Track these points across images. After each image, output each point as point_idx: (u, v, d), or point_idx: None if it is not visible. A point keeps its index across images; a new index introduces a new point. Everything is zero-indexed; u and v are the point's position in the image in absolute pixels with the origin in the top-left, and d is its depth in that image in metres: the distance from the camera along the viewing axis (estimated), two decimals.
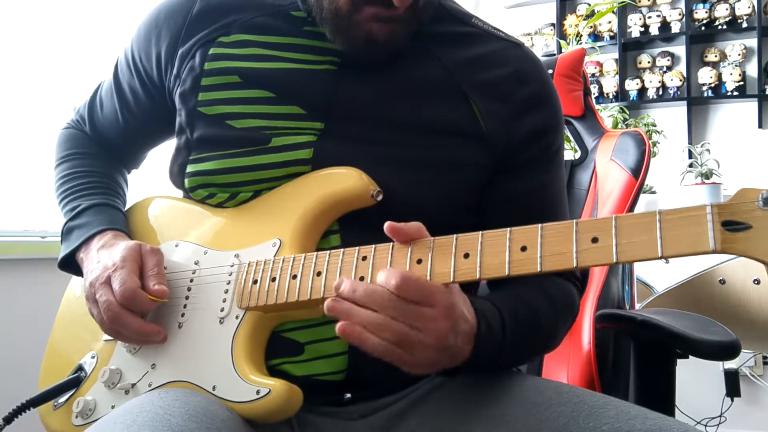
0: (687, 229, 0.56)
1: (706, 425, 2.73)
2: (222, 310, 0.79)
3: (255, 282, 0.77)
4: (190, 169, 0.86)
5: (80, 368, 0.88)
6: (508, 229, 0.65)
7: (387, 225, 0.68)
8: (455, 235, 0.67)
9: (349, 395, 0.79)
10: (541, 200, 0.88)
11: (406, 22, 0.80)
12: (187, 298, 0.82)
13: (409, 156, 0.82)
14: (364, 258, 0.71)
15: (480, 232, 0.66)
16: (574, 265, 0.61)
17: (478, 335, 0.70)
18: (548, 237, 0.63)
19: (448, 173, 0.83)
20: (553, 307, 0.82)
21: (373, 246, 0.71)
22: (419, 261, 0.68)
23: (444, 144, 0.83)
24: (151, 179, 1.27)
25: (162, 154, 1.05)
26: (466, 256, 0.66)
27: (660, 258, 0.57)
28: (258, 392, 0.72)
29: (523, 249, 0.63)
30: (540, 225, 0.64)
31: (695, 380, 2.61)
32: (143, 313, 0.79)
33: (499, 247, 0.65)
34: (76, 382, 0.87)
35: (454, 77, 0.85)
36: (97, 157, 1.01)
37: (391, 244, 0.70)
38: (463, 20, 0.90)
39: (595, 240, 0.60)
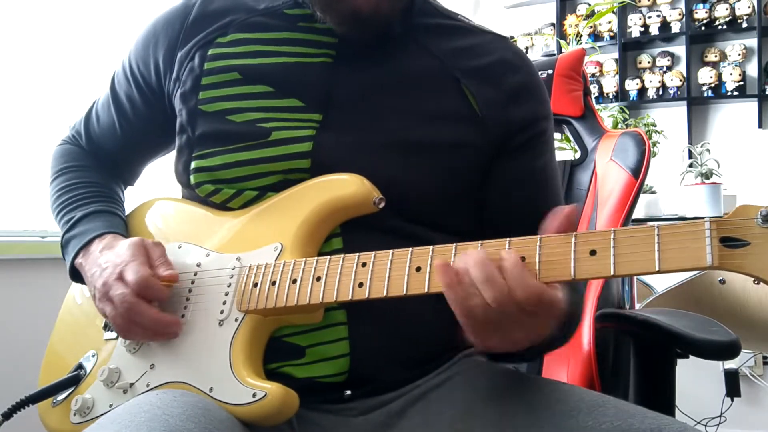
0: (685, 245, 0.57)
1: (706, 425, 2.73)
2: (222, 312, 0.79)
3: (255, 285, 0.77)
4: (194, 165, 0.87)
5: (80, 366, 0.88)
6: (507, 239, 0.65)
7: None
8: (454, 244, 0.68)
9: (349, 392, 0.79)
10: (537, 182, 0.89)
11: None
12: (188, 299, 0.82)
13: (407, 142, 0.83)
14: (364, 264, 0.71)
15: (479, 242, 0.66)
16: (572, 277, 0.61)
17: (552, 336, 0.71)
18: (546, 248, 0.63)
19: (446, 157, 0.84)
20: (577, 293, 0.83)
21: (373, 253, 0.71)
22: (418, 269, 0.68)
23: (440, 128, 0.84)
24: (151, 184, 1.27)
25: (162, 163, 1.06)
26: None
27: (657, 272, 0.58)
28: (254, 395, 0.72)
29: (523, 259, 0.63)
30: (539, 236, 0.64)
31: (695, 380, 2.61)
32: (158, 301, 0.79)
33: (498, 257, 0.64)
34: (75, 379, 0.86)
35: (444, 65, 0.87)
36: (94, 169, 1.01)
37: (391, 250, 0.70)
38: (449, 16, 0.94)
39: (593, 252, 0.61)
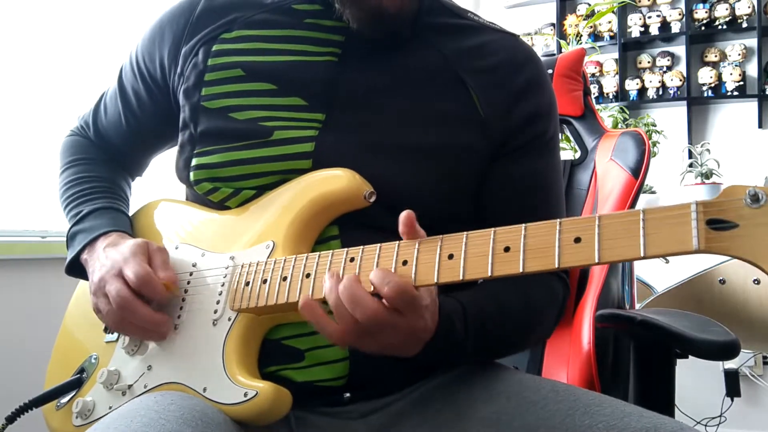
0: (671, 228, 0.55)
1: (706, 425, 2.73)
2: (216, 312, 0.79)
3: (247, 284, 0.77)
4: (194, 162, 0.87)
5: (82, 369, 0.88)
6: (493, 229, 0.65)
7: (404, 220, 0.68)
8: (440, 236, 0.67)
9: (348, 395, 0.79)
10: (537, 186, 0.89)
11: None
12: (184, 300, 0.82)
13: (410, 144, 0.83)
14: (352, 259, 0.71)
15: (465, 233, 0.66)
16: (556, 266, 0.60)
17: (433, 342, 0.71)
18: (531, 237, 0.62)
19: (448, 160, 0.84)
20: (526, 301, 0.83)
21: (361, 247, 0.71)
22: (405, 262, 0.68)
23: (443, 131, 0.84)
24: (153, 184, 1.27)
25: (165, 159, 1.06)
26: (450, 257, 0.66)
27: (642, 258, 0.56)
28: (245, 394, 0.72)
29: (507, 249, 0.63)
30: (524, 225, 0.63)
31: (695, 380, 2.61)
32: (155, 300, 0.80)
33: (483, 248, 0.64)
34: (77, 383, 0.87)
35: (451, 65, 0.87)
36: (101, 163, 1.02)
37: (378, 245, 0.70)
38: (458, 14, 0.93)
39: (577, 240, 0.59)
